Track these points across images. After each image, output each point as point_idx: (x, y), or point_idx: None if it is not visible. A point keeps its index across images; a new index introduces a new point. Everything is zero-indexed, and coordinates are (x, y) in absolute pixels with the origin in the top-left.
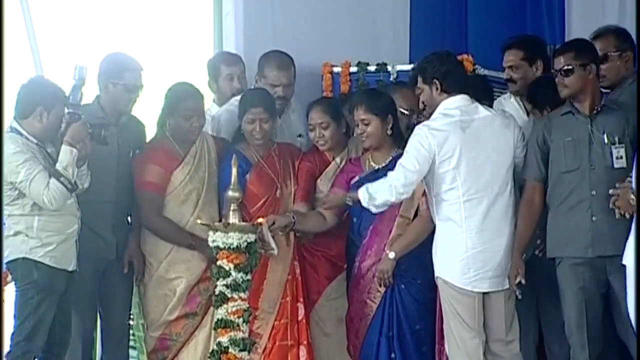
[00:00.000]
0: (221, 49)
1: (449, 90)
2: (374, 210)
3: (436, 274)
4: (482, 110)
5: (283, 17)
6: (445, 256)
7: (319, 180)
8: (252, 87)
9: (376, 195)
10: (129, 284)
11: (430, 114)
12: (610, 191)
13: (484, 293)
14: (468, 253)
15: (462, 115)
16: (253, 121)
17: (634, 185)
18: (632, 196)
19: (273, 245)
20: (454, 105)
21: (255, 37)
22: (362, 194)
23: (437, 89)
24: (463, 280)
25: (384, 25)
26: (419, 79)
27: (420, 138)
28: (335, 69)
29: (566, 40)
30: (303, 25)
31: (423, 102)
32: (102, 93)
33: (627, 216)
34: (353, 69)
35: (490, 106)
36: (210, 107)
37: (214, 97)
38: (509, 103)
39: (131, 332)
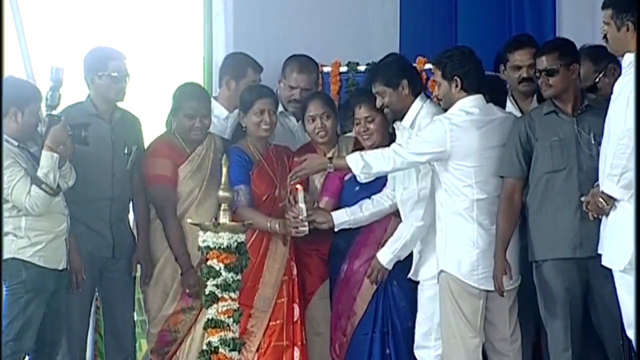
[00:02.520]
0: (211, 49)
1: (468, 89)
2: (362, 179)
3: (440, 268)
4: (497, 111)
5: (273, 17)
6: (454, 251)
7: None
8: (276, 90)
9: (372, 163)
10: (130, 282)
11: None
12: (582, 198)
13: (488, 292)
14: (478, 250)
15: (481, 115)
16: (262, 112)
17: (601, 188)
18: (601, 199)
19: (304, 211)
20: (473, 104)
21: (245, 37)
22: (355, 161)
23: (456, 86)
24: (471, 277)
25: (374, 25)
26: (438, 73)
27: (438, 128)
28: (325, 69)
29: None
30: (293, 25)
31: (437, 97)
32: (91, 89)
33: (600, 217)
34: (343, 68)
35: (503, 106)
36: (213, 107)
37: (218, 96)
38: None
39: None
